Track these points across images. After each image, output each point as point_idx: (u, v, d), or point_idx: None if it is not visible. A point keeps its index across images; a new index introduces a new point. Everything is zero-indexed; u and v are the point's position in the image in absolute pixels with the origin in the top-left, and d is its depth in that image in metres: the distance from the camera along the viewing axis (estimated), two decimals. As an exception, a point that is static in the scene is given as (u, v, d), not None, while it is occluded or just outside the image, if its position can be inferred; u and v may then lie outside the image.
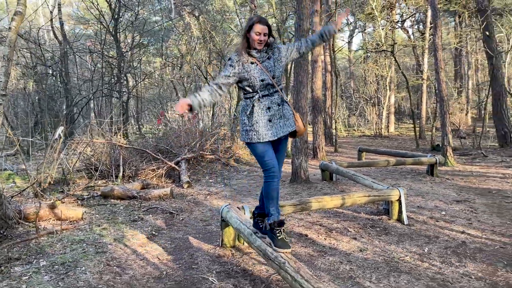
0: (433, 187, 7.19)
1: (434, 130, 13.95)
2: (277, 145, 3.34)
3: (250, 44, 3.13)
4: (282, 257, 2.78)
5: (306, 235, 4.59)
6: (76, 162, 7.36)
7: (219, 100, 2.84)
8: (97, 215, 5.35)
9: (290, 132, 3.29)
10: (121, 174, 7.70)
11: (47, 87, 14.34)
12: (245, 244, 4.21)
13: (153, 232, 4.72)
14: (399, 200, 5.03)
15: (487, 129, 16.37)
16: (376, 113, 21.08)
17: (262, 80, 3.11)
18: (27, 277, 3.33)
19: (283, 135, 3.22)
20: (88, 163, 8.13)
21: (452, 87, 24.21)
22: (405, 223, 4.96)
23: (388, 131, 21.66)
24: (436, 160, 8.22)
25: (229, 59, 3.18)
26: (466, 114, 22.45)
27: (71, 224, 4.85)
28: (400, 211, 5.05)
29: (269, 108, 3.16)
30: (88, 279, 3.38)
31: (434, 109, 17.39)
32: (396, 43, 15.99)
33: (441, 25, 10.07)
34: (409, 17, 21.12)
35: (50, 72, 15.57)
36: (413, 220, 5.12)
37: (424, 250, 4.10)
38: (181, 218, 5.39)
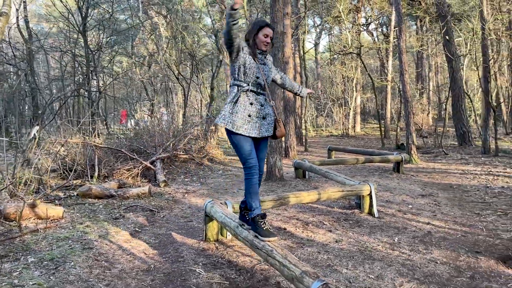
0: (400, 183, 7.62)
1: (398, 130, 14.56)
2: (258, 144, 3.58)
3: (256, 45, 3.45)
4: (269, 245, 3.00)
5: (285, 229, 4.83)
6: (51, 162, 7.32)
7: (233, 29, 3.08)
8: (77, 214, 5.39)
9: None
10: (96, 174, 7.70)
11: (12, 86, 13.97)
12: (228, 237, 4.41)
13: (136, 229, 4.84)
14: (370, 195, 5.36)
15: (447, 128, 17.26)
16: (343, 114, 21.69)
17: (257, 77, 3.38)
18: (17, 272, 3.40)
19: (259, 136, 3.45)
20: (61, 163, 8.07)
21: (414, 88, 25.22)
22: (376, 216, 5.30)
23: (354, 131, 22.35)
24: (402, 158, 8.69)
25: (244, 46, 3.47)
26: (427, 115, 23.47)
27: (52, 222, 4.89)
28: (371, 205, 5.38)
29: (251, 104, 3.41)
30: (79, 273, 3.48)
31: (398, 109, 18.11)
32: (362, 45, 16.55)
33: (405, 29, 10.59)
34: (374, 21, 21.85)
35: (13, 71, 15.17)
36: (383, 213, 5.47)
37: (394, 240, 4.43)
38: (162, 216, 5.52)
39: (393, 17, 19.21)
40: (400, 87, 11.15)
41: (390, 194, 6.53)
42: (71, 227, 4.72)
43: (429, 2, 16.11)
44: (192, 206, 6.11)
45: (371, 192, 5.33)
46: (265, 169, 8.09)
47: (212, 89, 12.79)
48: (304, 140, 14.57)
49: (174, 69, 13.57)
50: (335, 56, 25.06)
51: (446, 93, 24.26)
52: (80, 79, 15.31)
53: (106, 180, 7.74)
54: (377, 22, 26.54)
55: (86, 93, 13.78)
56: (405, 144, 13.24)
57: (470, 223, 5.02)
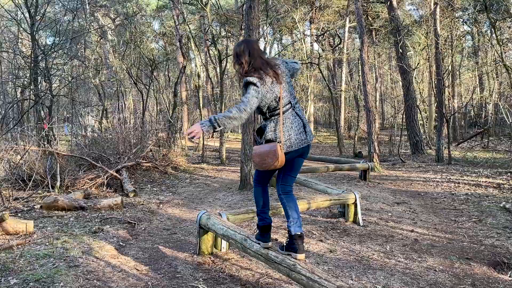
0: (370, 190, 7.79)
1: (356, 138, 14.99)
2: None
3: None
4: (289, 259, 2.89)
5: (276, 239, 4.73)
6: (8, 171, 6.73)
7: None
8: (48, 228, 4.96)
9: None
10: (58, 183, 7.18)
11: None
12: (223, 250, 4.24)
13: (120, 243, 4.53)
14: (355, 203, 5.41)
15: (396, 137, 18.04)
16: (298, 122, 21.99)
17: None
18: (2, 297, 3.04)
19: None
20: (17, 172, 7.45)
21: (358, 99, 26.23)
22: (361, 225, 5.35)
23: (308, 139, 22.75)
24: (369, 166, 8.91)
25: None
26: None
27: (24, 238, 4.46)
28: (355, 214, 5.43)
29: None
30: (72, 295, 3.18)
31: (355, 118, 18.62)
32: (321, 56, 16.93)
33: (367, 41, 10.95)
34: (326, 32, 22.46)
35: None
36: (366, 221, 5.54)
37: (386, 248, 4.48)
38: (143, 228, 5.23)
39: (346, 29, 19.89)
40: (363, 96, 11.48)
41: (366, 202, 6.65)
42: (47, 243, 4.32)
43: (383, 17, 16.84)
44: (171, 217, 5.84)
45: (356, 200, 5.38)
46: (238, 178, 7.98)
47: (175, 95, 12.44)
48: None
49: (132, 73, 13.06)
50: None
51: (390, 103, 25.49)
52: (25, 81, 14.30)
53: (69, 190, 7.24)
54: (328, 33, 27.32)
55: (43, 97, 12.75)
56: (362, 152, 13.68)
57: (451, 230, 5.20)
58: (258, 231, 3.39)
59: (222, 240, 4.22)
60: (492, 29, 8.41)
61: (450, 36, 16.67)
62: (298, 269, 2.75)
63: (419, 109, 15.60)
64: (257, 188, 3.34)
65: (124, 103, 21.63)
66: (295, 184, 7.93)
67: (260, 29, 19.22)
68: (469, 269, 3.90)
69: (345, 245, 4.59)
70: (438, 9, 11.41)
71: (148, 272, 3.79)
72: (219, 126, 2.82)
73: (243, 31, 24.05)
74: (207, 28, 23.72)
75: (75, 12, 13.77)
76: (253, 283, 3.56)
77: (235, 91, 29.30)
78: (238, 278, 3.66)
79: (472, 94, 19.02)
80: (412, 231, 5.15)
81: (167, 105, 16.49)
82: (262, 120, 3.16)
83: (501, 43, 8.40)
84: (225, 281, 3.58)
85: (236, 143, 20.38)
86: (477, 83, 24.11)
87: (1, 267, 3.58)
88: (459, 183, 8.41)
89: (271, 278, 3.65)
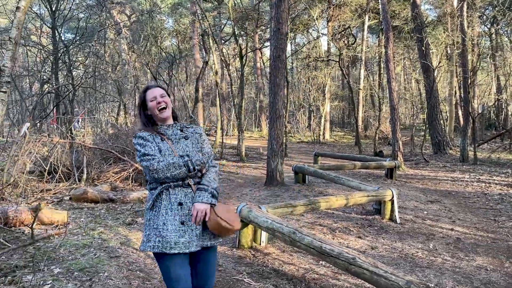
0: (399, 189, 7.61)
1: (377, 137, 14.77)
2: (198, 255, 2.24)
3: (153, 118, 2.34)
4: (347, 252, 2.78)
5: (314, 234, 4.61)
6: (44, 162, 6.70)
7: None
8: (82, 219, 4.91)
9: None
10: (85, 176, 7.15)
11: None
12: (263, 244, 4.14)
13: (156, 235, 4.45)
14: (392, 200, 5.27)
15: (414, 137, 17.78)
16: (314, 121, 21.85)
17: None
18: (48, 285, 2.97)
19: (203, 246, 2.17)
20: (43, 164, 7.42)
21: (379, 98, 25.95)
22: (398, 222, 5.21)
23: (324, 138, 22.55)
24: (396, 164, 8.74)
25: (139, 136, 2.23)
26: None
27: (60, 228, 4.40)
28: (392, 211, 5.29)
29: (181, 204, 2.16)
30: (118, 285, 3.10)
31: (372, 117, 18.31)
32: (341, 53, 16.74)
33: (392, 38, 10.77)
34: (346, 29, 22.20)
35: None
36: (402, 219, 5.39)
37: (429, 246, 4.33)
38: (176, 221, 5.14)
39: (365, 26, 19.68)
40: (386, 94, 11.28)
41: (398, 200, 6.46)
42: (84, 234, 4.26)
43: (404, 15, 16.60)
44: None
45: (393, 197, 5.24)
46: (264, 173, 7.85)
47: (197, 90, 12.38)
48: (284, 146, 14.44)
49: (151, 69, 13.03)
50: (300, 64, 25.35)
51: (405, 102, 25.19)
52: (45, 76, 14.36)
53: (95, 183, 7.20)
54: (346, 31, 27.10)
55: (70, 91, 12.74)
56: (383, 152, 13.48)
57: (492, 230, 5.04)
58: None
59: (262, 233, 4.12)
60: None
61: (472, 34, 16.40)
62: (359, 263, 2.63)
63: (440, 109, 15.35)
64: None
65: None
66: (322, 181, 7.84)
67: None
68: (521, 269, 3.75)
69: (385, 242, 4.45)
70: (465, 5, 11.18)
71: (189, 264, 3.70)
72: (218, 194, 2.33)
73: (258, 29, 23.96)
74: (223, 26, 23.71)
75: (103, 7, 13.79)
76: (299, 277, 3.45)
77: (250, 88, 29.26)
78: (283, 272, 3.55)
79: (498, 95, 18.64)
80: (452, 229, 4.99)
81: (186, 100, 16.47)
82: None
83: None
84: (270, 275, 3.48)
85: (251, 141, 20.30)
86: (494, 84, 23.72)
87: (43, 256, 3.52)
88: (489, 183, 8.20)
89: (317, 274, 3.53)
